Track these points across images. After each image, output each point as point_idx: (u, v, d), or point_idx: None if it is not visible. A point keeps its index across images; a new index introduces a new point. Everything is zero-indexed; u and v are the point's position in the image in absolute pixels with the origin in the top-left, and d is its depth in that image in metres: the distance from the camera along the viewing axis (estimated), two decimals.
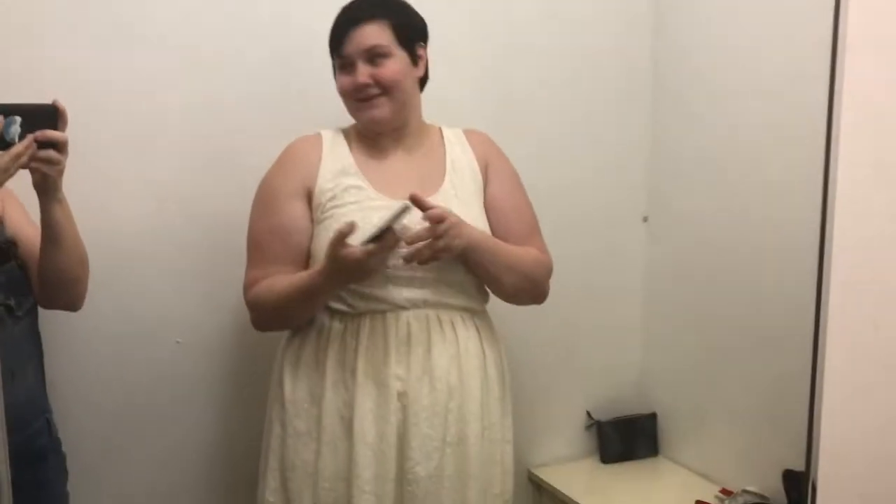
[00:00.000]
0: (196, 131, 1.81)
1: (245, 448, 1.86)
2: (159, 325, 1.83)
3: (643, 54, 2.30)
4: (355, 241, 1.39)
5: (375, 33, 1.52)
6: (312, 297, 1.50)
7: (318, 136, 1.63)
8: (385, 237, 1.39)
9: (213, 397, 1.91)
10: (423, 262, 1.47)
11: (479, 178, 1.65)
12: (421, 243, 1.45)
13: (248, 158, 1.73)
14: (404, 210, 1.37)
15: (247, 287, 1.57)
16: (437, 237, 1.45)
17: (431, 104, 1.70)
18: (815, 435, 1.18)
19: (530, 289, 1.68)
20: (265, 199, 1.59)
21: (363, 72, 1.52)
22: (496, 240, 1.60)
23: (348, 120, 1.65)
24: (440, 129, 1.70)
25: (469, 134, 1.71)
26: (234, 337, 1.89)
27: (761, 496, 2.02)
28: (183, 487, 1.91)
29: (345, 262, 1.39)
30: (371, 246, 1.38)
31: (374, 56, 1.52)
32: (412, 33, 1.58)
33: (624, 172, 2.33)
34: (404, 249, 1.45)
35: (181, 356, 1.85)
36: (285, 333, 1.65)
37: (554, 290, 2.21)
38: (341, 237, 1.38)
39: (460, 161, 1.64)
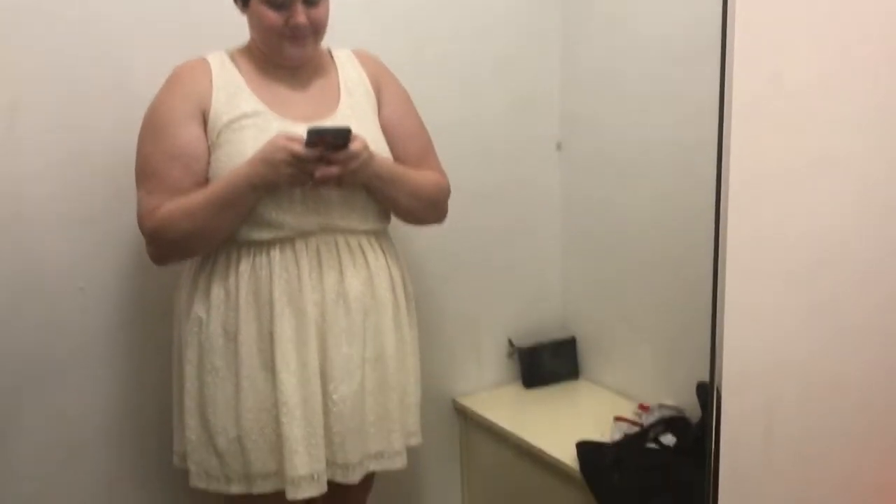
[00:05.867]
0: (84, 62, 1.71)
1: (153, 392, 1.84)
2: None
3: None
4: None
5: None
6: (234, 202, 1.47)
7: (204, 61, 1.58)
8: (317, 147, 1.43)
9: (119, 344, 1.85)
10: (325, 185, 1.49)
11: (374, 98, 1.67)
12: (333, 169, 1.46)
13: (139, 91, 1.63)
14: (347, 132, 1.44)
15: (145, 216, 1.51)
16: (349, 166, 1.47)
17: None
18: (717, 346, 1.21)
19: (431, 212, 1.74)
20: (158, 124, 1.52)
21: (301, 12, 1.50)
22: (399, 167, 1.64)
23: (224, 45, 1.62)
24: (328, 49, 1.69)
25: (359, 54, 1.72)
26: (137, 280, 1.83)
27: (677, 409, 2.09)
28: (88, 441, 1.84)
29: (281, 151, 1.42)
30: (308, 149, 1.42)
31: None
32: None
33: (537, 99, 2.31)
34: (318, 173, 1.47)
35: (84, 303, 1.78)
36: (189, 273, 1.61)
37: (473, 221, 2.22)
38: (287, 136, 1.44)
39: (353, 81, 1.66)
